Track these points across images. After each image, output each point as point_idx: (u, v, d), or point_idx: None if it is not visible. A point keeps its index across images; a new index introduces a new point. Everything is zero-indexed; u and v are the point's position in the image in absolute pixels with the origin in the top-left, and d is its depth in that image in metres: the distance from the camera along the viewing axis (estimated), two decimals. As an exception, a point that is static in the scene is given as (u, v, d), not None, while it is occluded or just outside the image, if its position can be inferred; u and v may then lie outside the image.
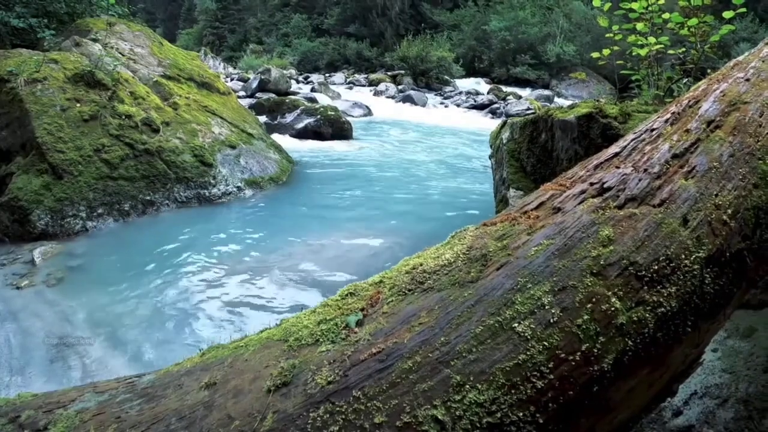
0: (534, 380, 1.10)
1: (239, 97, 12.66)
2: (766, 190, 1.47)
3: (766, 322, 2.37)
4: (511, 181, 4.42)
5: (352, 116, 15.05)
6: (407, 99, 20.10)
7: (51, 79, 6.02)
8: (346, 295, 1.35)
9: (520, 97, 20.87)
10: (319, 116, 11.69)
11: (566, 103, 17.23)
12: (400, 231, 5.75)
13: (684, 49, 4.25)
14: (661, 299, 1.22)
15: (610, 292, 1.19)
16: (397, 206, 6.83)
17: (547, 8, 29.92)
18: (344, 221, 6.17)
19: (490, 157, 5.45)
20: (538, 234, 1.32)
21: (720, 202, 1.39)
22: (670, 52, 4.22)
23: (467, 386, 1.08)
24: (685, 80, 3.99)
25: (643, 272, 1.23)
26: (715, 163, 1.46)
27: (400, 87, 23.23)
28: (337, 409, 1.07)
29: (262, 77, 17.76)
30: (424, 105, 19.80)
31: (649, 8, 4.01)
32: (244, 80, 20.05)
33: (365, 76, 27.20)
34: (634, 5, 4.00)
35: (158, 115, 6.69)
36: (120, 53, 7.44)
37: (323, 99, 16.76)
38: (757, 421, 1.97)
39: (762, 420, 1.97)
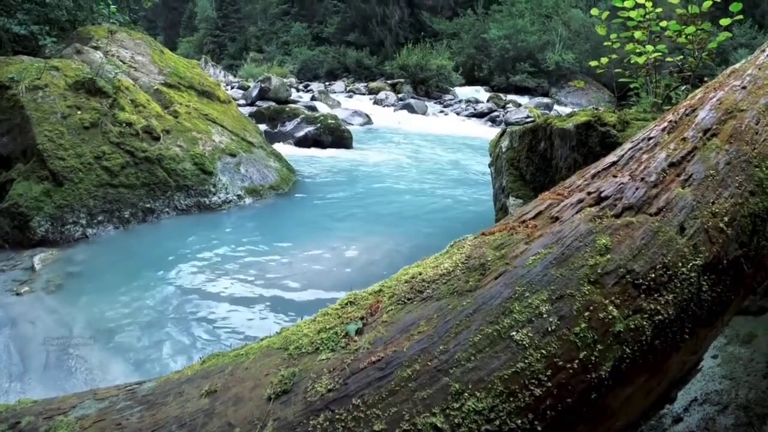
0: (532, 388, 1.10)
1: (239, 105, 12.69)
2: (763, 198, 1.47)
3: (765, 328, 2.37)
4: (511, 189, 4.43)
5: (352, 125, 15.10)
6: (407, 107, 20.14)
7: (52, 86, 6.05)
8: (346, 303, 1.36)
9: (519, 105, 20.94)
10: (319, 125, 11.73)
11: (565, 110, 17.30)
12: (399, 240, 5.75)
13: (682, 57, 4.27)
14: (659, 307, 1.23)
15: (607, 301, 1.20)
16: (397, 215, 6.84)
17: (545, 16, 30.02)
18: (344, 230, 6.18)
19: (490, 165, 5.46)
20: (536, 243, 1.32)
21: (717, 210, 1.40)
22: (668, 59, 4.24)
23: (466, 394, 1.09)
24: (683, 88, 4.01)
25: (641, 280, 1.24)
26: (711, 171, 1.47)
27: (399, 95, 23.29)
28: (337, 416, 1.08)
29: (263, 85, 17.83)
30: (423, 113, 19.84)
31: (647, 16, 4.03)
32: (245, 88, 20.16)
33: (365, 84, 27.31)
34: (632, 14, 4.02)
35: (159, 123, 6.71)
36: (121, 61, 7.47)
37: (323, 107, 16.82)
38: (757, 428, 1.97)
39: (762, 426, 1.97)
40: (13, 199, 5.38)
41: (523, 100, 23.51)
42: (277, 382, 1.17)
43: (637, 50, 4.15)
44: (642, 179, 1.45)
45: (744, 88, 1.77)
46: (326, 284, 4.67)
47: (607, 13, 4.18)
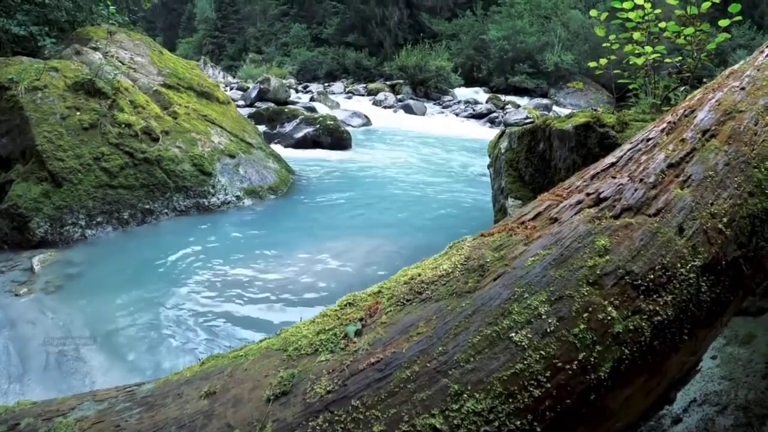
0: (531, 389, 1.10)
1: (238, 106, 12.70)
2: (762, 198, 1.47)
3: (764, 329, 2.37)
4: (510, 190, 4.43)
5: (351, 126, 15.09)
6: (406, 108, 20.16)
7: (51, 87, 6.05)
8: (345, 305, 1.36)
9: (518, 106, 20.94)
10: (318, 126, 11.72)
11: (564, 111, 17.32)
12: (398, 241, 5.75)
13: (681, 58, 4.28)
14: (658, 308, 1.23)
15: (606, 302, 1.20)
16: (396, 216, 6.84)
17: (544, 17, 30.05)
18: (343, 231, 6.18)
19: (489, 166, 5.46)
20: (535, 244, 1.32)
21: (716, 211, 1.40)
22: (667, 60, 4.25)
23: (465, 395, 1.09)
24: (682, 89, 4.01)
25: (639, 281, 1.24)
26: (710, 172, 1.47)
27: (398, 96, 23.29)
28: (336, 418, 1.08)
29: (262, 86, 17.82)
30: (422, 114, 19.86)
31: (646, 18, 4.04)
32: (244, 89, 20.15)
33: (364, 85, 27.31)
34: (631, 15, 4.03)
35: (158, 124, 6.71)
36: (120, 62, 7.47)
37: (322, 108, 16.80)
38: (756, 428, 1.97)
39: (762, 427, 1.97)
40: (12, 200, 5.38)
41: (522, 101, 23.54)
42: (276, 383, 1.17)
43: (636, 51, 4.16)
44: (641, 180, 1.45)
45: (743, 89, 1.77)
46: (325, 285, 4.67)
47: (606, 14, 4.18)
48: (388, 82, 26.68)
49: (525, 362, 1.12)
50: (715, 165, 1.49)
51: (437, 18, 35.35)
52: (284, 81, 21.67)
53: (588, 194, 1.45)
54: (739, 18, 3.66)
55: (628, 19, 4.07)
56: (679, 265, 1.29)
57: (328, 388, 1.12)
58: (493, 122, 18.36)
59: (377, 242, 5.70)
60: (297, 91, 22.93)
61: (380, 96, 22.71)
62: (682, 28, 3.91)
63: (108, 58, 7.25)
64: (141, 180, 6.17)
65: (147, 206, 6.16)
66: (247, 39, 42.13)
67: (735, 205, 1.43)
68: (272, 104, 15.54)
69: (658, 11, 4.04)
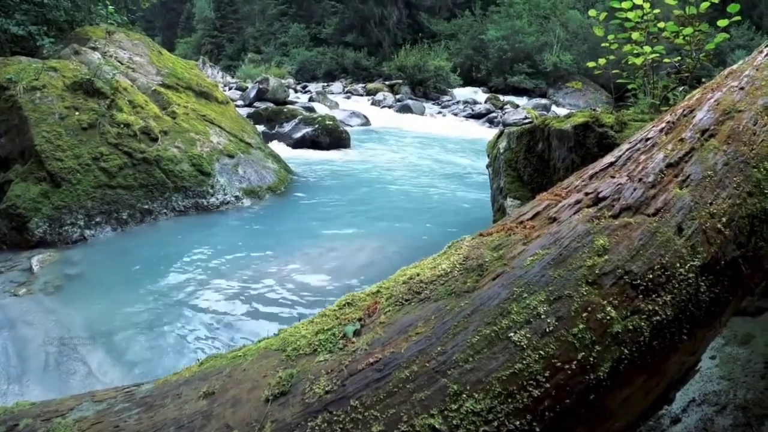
0: (530, 389, 1.10)
1: (237, 106, 12.68)
2: (761, 198, 1.47)
3: (763, 329, 2.38)
4: (509, 190, 4.43)
5: (350, 125, 15.09)
6: (405, 108, 20.16)
7: (50, 87, 6.04)
8: (344, 305, 1.36)
9: (517, 106, 20.95)
10: (317, 126, 11.71)
11: (563, 111, 17.31)
12: (397, 241, 5.75)
13: (679, 58, 4.28)
14: (657, 308, 1.23)
15: (605, 301, 1.20)
16: (395, 216, 6.83)
17: (543, 17, 30.06)
18: (342, 231, 6.17)
19: (488, 166, 5.46)
20: (534, 244, 1.32)
21: (715, 211, 1.40)
22: (666, 60, 4.25)
23: (464, 395, 1.08)
24: (680, 89, 4.01)
25: (639, 281, 1.24)
26: (709, 172, 1.47)
27: (397, 96, 23.31)
28: (335, 418, 1.08)
29: (261, 86, 17.82)
30: (421, 114, 19.85)
31: (645, 17, 4.04)
32: (243, 89, 20.15)
33: (363, 85, 27.32)
34: (630, 14, 4.03)
35: (157, 124, 6.70)
36: (119, 62, 7.46)
37: (321, 108, 16.79)
38: (755, 428, 1.97)
39: (760, 427, 1.97)
40: (11, 200, 5.37)
41: (521, 101, 23.56)
42: (275, 383, 1.17)
43: (635, 51, 4.16)
44: (640, 180, 1.45)
45: (742, 89, 1.77)
46: (324, 285, 4.66)
47: (604, 14, 4.18)
48: (386, 82, 26.71)
49: (524, 362, 1.12)
50: (714, 165, 1.49)
51: (436, 18, 35.37)
52: (283, 81, 21.67)
53: (587, 194, 1.45)
54: (738, 18, 3.67)
55: (627, 19, 4.07)
56: (678, 264, 1.29)
57: (326, 389, 1.12)
58: (491, 122, 18.38)
59: (376, 242, 5.69)
60: (296, 91, 22.95)
61: (379, 96, 22.73)
62: (680, 28, 3.91)
63: (107, 57, 7.24)
64: (140, 180, 6.17)
65: (146, 206, 6.15)
66: (246, 39, 42.16)
67: (734, 204, 1.43)
68: (271, 104, 15.53)
69: (656, 11, 4.04)
